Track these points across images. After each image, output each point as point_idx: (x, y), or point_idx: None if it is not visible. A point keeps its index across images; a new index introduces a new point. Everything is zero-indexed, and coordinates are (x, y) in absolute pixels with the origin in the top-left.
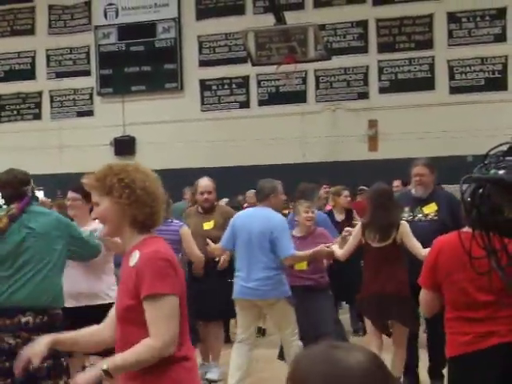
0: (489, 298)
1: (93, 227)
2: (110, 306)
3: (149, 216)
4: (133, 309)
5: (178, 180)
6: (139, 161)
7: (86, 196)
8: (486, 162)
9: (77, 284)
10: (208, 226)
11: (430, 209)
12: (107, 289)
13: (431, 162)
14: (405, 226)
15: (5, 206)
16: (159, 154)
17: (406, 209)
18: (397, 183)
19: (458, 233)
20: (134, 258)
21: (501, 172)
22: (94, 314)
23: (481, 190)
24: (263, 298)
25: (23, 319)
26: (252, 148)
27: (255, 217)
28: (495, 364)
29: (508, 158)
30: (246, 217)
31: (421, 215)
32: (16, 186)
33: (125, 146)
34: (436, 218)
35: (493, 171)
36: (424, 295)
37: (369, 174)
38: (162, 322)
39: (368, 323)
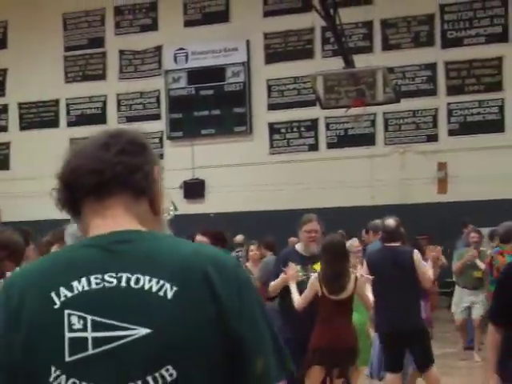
0: None
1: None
2: None
3: None
4: None
5: (246, 222)
6: (208, 203)
7: (216, 240)
8: None
9: None
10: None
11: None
12: None
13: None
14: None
15: None
16: (228, 197)
17: (298, 267)
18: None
19: None
20: None
21: None
22: None
23: None
24: None
25: None
26: (321, 191)
27: None
28: None
29: None
30: None
31: (313, 273)
32: None
33: (194, 189)
34: None
35: None
36: None
37: (438, 217)
38: None
39: None
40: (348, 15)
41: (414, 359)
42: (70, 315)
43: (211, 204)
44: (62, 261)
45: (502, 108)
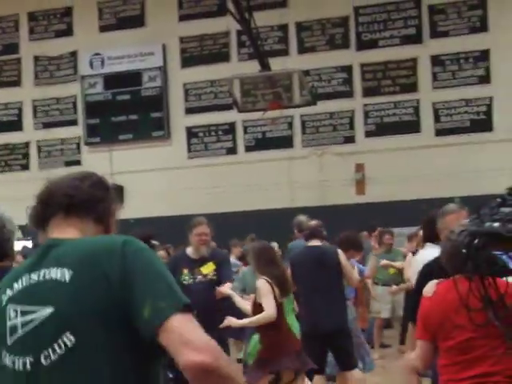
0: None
1: None
2: None
3: None
4: None
5: (166, 227)
6: (128, 209)
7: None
8: (480, 213)
9: None
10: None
11: (209, 268)
12: None
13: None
14: None
15: None
16: (147, 203)
17: (185, 271)
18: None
19: (454, 281)
20: None
21: (495, 224)
22: None
23: (476, 241)
24: None
25: None
26: (240, 194)
27: None
28: None
29: (502, 209)
30: None
31: (200, 276)
32: None
33: None
34: (215, 277)
35: (488, 224)
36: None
37: (357, 218)
38: None
39: None
40: (263, 18)
41: (336, 360)
42: (9, 309)
43: (131, 209)
44: (16, 269)
45: (417, 109)
